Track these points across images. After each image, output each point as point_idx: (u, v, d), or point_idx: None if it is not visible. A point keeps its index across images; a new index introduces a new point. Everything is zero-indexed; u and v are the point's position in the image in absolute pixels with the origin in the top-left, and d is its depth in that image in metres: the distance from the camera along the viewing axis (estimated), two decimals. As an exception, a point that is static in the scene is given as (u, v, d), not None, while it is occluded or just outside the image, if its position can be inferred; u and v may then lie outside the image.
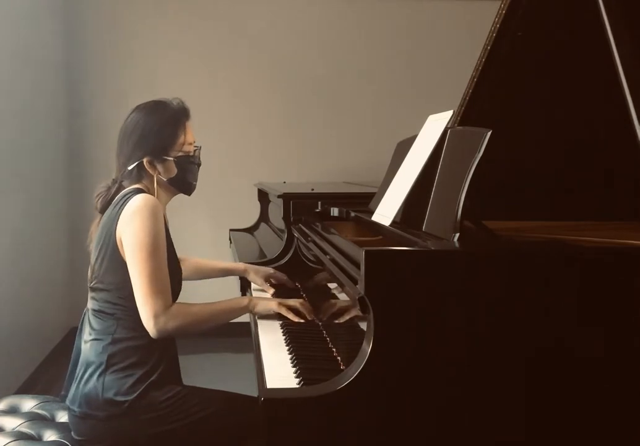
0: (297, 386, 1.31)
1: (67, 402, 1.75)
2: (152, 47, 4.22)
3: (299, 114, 4.35)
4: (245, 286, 2.26)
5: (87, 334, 1.75)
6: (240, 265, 2.23)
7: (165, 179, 1.81)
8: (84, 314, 1.80)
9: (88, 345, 1.73)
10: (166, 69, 4.22)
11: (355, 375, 1.11)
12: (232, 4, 4.27)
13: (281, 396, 1.16)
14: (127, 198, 1.72)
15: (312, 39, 4.34)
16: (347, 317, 1.49)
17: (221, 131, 4.23)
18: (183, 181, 1.84)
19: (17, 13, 3.26)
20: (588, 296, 1.15)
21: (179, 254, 1.87)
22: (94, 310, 1.75)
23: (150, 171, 1.80)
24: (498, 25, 1.72)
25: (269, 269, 2.20)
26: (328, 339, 1.63)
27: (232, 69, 4.28)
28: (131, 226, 1.67)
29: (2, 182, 3.02)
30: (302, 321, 1.76)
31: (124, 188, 1.80)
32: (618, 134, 1.46)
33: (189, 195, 1.90)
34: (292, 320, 1.77)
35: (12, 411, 1.89)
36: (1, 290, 2.98)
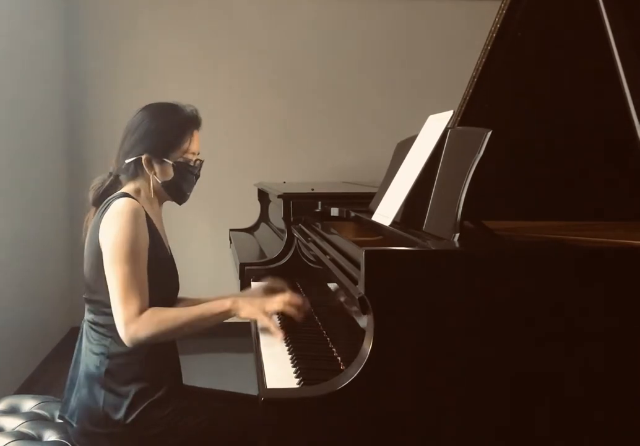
0: (297, 386, 1.31)
1: (65, 414, 1.70)
2: (152, 48, 4.22)
3: (299, 114, 4.35)
4: (245, 285, 2.25)
5: (85, 344, 1.70)
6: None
7: (160, 181, 1.76)
8: (82, 323, 1.74)
9: (87, 356, 1.68)
10: (166, 69, 4.23)
11: (355, 375, 1.11)
12: (232, 4, 4.27)
13: (281, 396, 1.16)
14: (110, 203, 1.67)
15: (312, 39, 4.34)
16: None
17: (221, 131, 4.23)
18: (177, 187, 1.78)
19: (15, 12, 3.26)
20: (588, 296, 1.15)
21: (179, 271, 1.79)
22: (89, 321, 1.70)
23: (147, 170, 1.74)
24: (498, 25, 1.72)
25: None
26: (328, 339, 1.62)
27: (232, 69, 4.28)
28: (109, 231, 1.62)
29: (1, 182, 3.02)
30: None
31: (120, 182, 1.77)
32: (618, 134, 1.46)
33: (180, 204, 1.84)
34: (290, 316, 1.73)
35: (12, 411, 1.88)
36: (1, 290, 2.98)
